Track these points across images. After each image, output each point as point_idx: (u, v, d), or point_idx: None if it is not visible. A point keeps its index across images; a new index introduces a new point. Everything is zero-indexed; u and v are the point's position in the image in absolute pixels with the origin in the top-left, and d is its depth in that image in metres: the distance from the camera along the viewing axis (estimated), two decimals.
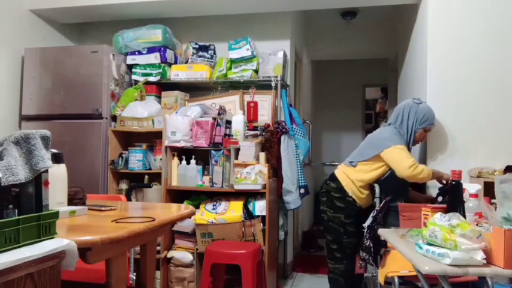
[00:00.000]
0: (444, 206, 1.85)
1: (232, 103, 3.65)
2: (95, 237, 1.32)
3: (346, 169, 2.75)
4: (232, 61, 3.64)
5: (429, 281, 1.77)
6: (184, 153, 3.46)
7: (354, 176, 2.70)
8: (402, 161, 2.56)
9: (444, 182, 2.64)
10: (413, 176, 2.56)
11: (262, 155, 3.26)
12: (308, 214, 5.83)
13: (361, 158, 2.71)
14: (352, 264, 2.72)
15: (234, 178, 3.15)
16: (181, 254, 3.26)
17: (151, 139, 3.52)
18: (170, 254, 3.29)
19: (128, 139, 3.64)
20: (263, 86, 3.61)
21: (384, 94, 6.69)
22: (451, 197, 1.79)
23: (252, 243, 3.05)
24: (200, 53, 3.76)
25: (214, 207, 3.23)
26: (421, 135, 2.73)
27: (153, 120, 3.46)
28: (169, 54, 3.74)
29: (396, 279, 2.20)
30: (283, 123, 3.46)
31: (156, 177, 3.44)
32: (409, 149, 2.70)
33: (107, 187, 3.46)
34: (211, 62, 3.76)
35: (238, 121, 3.36)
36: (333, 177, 2.77)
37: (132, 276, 2.60)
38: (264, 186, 3.13)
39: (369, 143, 2.75)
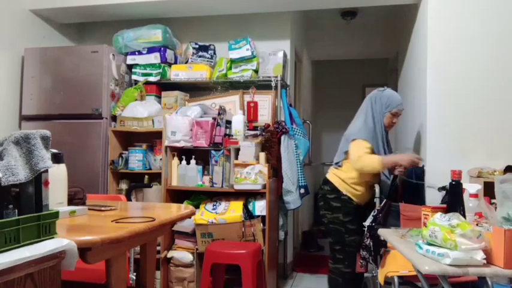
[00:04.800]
0: (444, 206, 1.85)
1: (232, 103, 3.65)
2: (95, 237, 1.32)
3: (335, 171, 2.80)
4: (232, 61, 3.64)
5: (429, 281, 1.77)
6: (184, 153, 3.46)
7: (343, 175, 2.74)
8: (352, 156, 2.64)
9: (400, 169, 2.63)
10: (359, 171, 2.63)
11: (262, 155, 3.26)
12: (308, 214, 5.83)
13: (342, 157, 2.77)
14: (354, 265, 2.72)
15: (234, 178, 3.15)
16: (181, 254, 3.26)
17: (151, 139, 3.52)
18: (170, 254, 3.29)
19: (128, 139, 3.64)
20: (263, 86, 3.61)
21: None
22: (451, 197, 1.78)
23: (252, 243, 3.05)
24: (200, 53, 3.76)
25: (214, 207, 3.23)
26: (389, 120, 2.73)
27: (153, 120, 3.46)
28: (169, 54, 3.74)
29: (396, 279, 2.21)
30: (283, 123, 3.46)
31: (156, 177, 3.44)
32: (379, 136, 2.72)
33: (107, 187, 3.46)
34: (211, 62, 3.76)
35: (238, 121, 3.36)
36: (326, 181, 2.83)
37: (132, 276, 2.60)
38: (264, 186, 3.13)
39: (342, 140, 2.82)
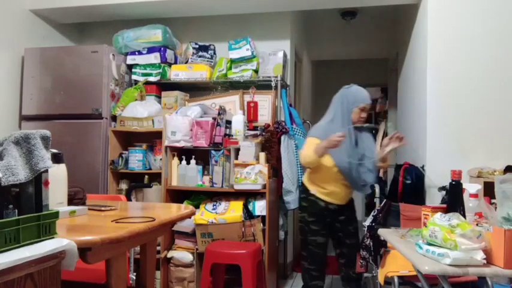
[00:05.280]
0: (444, 206, 1.85)
1: (232, 103, 3.65)
2: (95, 237, 1.32)
3: (307, 171, 2.83)
4: (232, 61, 3.64)
5: (429, 281, 1.77)
6: (184, 153, 3.46)
7: (312, 175, 2.76)
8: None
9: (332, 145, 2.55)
10: (305, 165, 2.75)
11: (262, 155, 3.26)
12: None
13: None
14: (318, 265, 2.75)
15: (234, 178, 3.15)
16: (181, 254, 3.26)
17: (151, 139, 3.52)
18: (170, 254, 3.29)
19: (128, 139, 3.64)
20: (263, 86, 3.61)
21: (383, 94, 6.69)
22: (451, 197, 1.78)
23: (252, 243, 3.05)
24: (200, 53, 3.76)
25: (214, 207, 3.23)
26: (357, 115, 2.71)
27: (153, 120, 3.46)
28: (169, 54, 3.74)
29: (396, 279, 2.21)
30: (283, 123, 3.46)
31: (156, 177, 3.44)
32: (350, 131, 2.70)
33: (107, 187, 3.46)
34: (211, 62, 3.76)
35: (238, 121, 3.36)
36: (301, 183, 2.89)
37: (132, 276, 2.60)
38: (264, 186, 3.13)
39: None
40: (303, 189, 2.82)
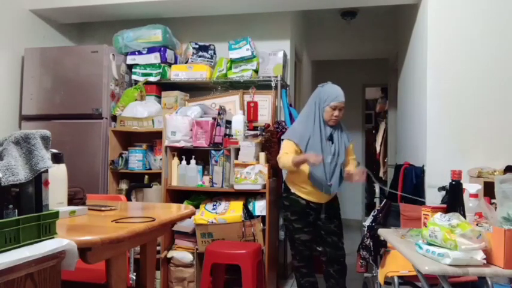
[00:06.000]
0: (444, 206, 1.85)
1: (232, 103, 3.65)
2: (95, 237, 1.32)
3: (287, 172, 2.83)
4: (232, 61, 3.64)
5: (429, 281, 1.77)
6: (184, 153, 3.46)
7: (291, 175, 2.77)
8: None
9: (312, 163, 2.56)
10: (284, 169, 2.81)
11: (262, 155, 3.26)
12: None
13: None
14: (306, 261, 2.77)
15: (234, 178, 3.15)
16: (181, 254, 3.26)
17: (151, 139, 3.52)
18: (170, 254, 3.29)
19: (128, 139, 3.64)
20: (263, 86, 3.61)
21: (384, 94, 6.68)
22: (451, 197, 1.78)
23: (252, 243, 3.05)
24: (200, 53, 3.76)
25: (214, 207, 3.23)
26: (329, 113, 2.71)
27: (153, 120, 3.46)
28: (169, 54, 3.74)
29: (396, 279, 2.21)
30: (283, 123, 3.46)
31: (156, 177, 3.44)
32: (315, 132, 2.69)
33: (107, 187, 3.46)
34: (211, 62, 3.76)
35: (238, 121, 3.36)
36: (284, 181, 2.91)
37: (132, 276, 2.60)
38: (264, 186, 3.13)
39: None
40: (284, 188, 2.85)
